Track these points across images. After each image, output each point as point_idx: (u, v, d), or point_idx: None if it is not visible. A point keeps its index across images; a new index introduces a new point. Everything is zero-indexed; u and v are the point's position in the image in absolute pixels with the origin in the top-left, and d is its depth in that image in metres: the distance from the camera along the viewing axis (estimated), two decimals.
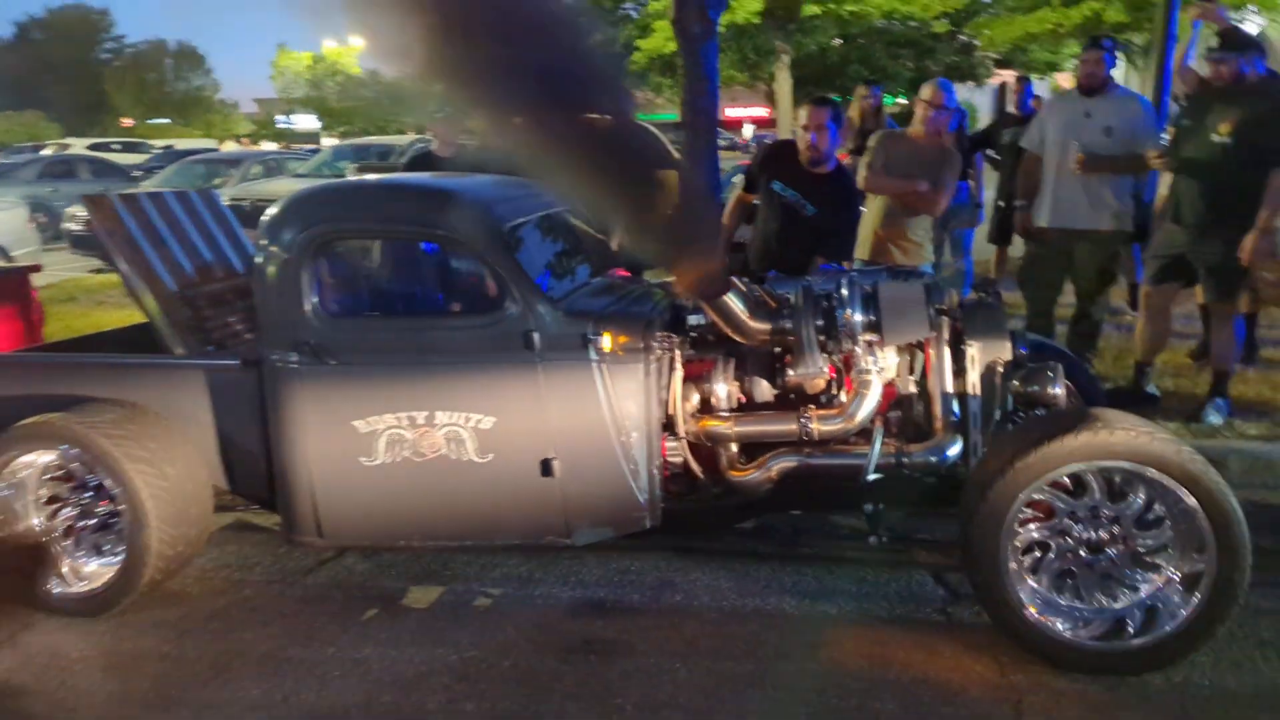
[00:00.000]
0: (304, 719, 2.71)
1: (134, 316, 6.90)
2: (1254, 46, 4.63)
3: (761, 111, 34.87)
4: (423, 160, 5.90)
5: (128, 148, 27.85)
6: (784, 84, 23.07)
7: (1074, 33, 23.52)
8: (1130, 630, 2.78)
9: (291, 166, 14.08)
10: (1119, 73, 23.09)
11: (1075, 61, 26.05)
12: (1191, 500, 2.65)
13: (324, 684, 2.88)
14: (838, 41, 25.03)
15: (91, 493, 3.41)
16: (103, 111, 51.16)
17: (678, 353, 3.27)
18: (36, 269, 5.05)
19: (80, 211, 11.94)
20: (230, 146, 25.12)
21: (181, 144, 30.31)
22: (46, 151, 23.25)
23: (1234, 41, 4.66)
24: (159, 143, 31.77)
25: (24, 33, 58.92)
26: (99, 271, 11.00)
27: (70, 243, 11.87)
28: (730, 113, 44.97)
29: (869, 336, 3.16)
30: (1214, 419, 4.70)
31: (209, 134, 44.46)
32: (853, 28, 23.07)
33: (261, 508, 3.66)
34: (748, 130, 42.70)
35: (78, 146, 25.75)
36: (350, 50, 44.65)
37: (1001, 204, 7.18)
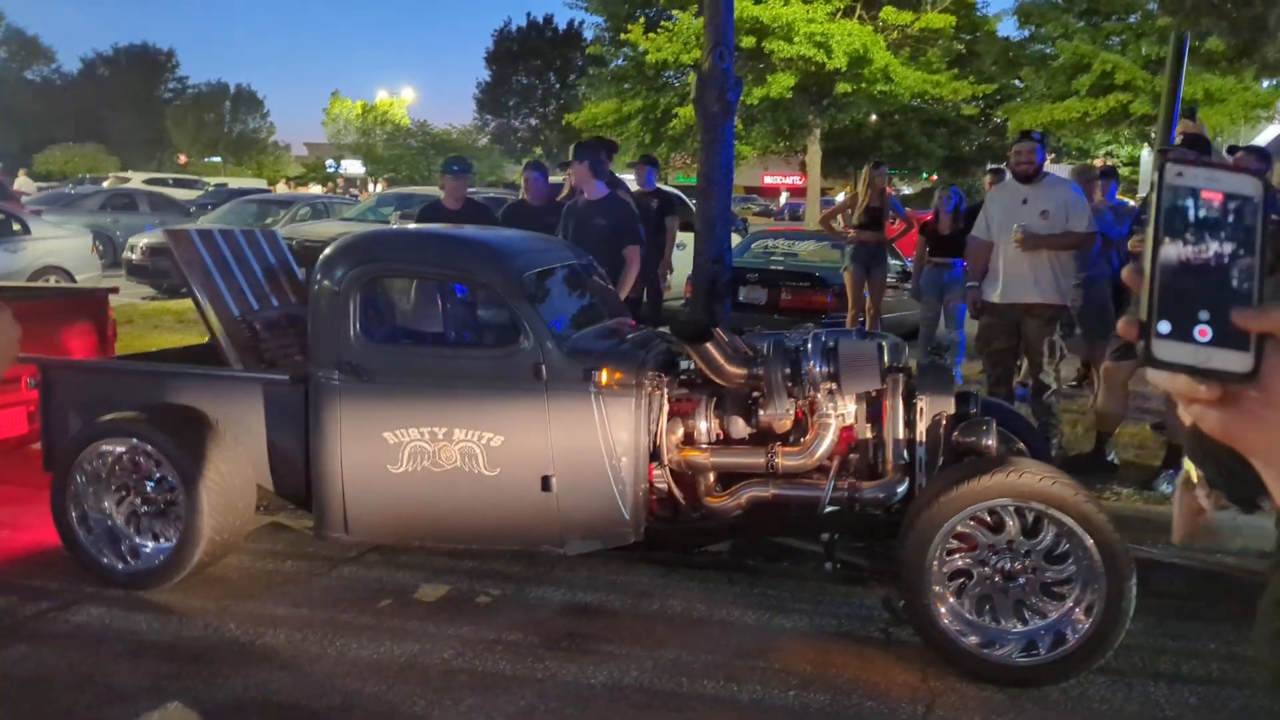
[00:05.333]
0: (325, 677, 3.20)
1: (186, 339, 7.55)
2: (1207, 151, 5.19)
3: (797, 180, 35.80)
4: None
5: (180, 183, 29.13)
6: (814, 155, 23.88)
7: (1100, 122, 24.17)
8: (1041, 650, 3.22)
9: (339, 210, 14.87)
10: (1146, 158, 23.55)
11: (1105, 148, 26.60)
12: (1089, 539, 3.10)
13: (343, 653, 3.37)
14: (874, 118, 25.84)
15: (154, 483, 3.95)
16: (161, 147, 53.20)
17: (666, 391, 3.79)
18: (114, 291, 5.68)
19: (139, 242, 12.78)
20: (282, 188, 26.22)
21: (234, 183, 31.67)
22: (107, 184, 24.45)
23: (1193, 146, 5.21)
24: (212, 180, 33.17)
25: (90, 68, 61.65)
26: (153, 299, 11.75)
27: (127, 271, 12.67)
28: (769, 180, 46.05)
29: (829, 385, 3.65)
30: (1166, 488, 5.11)
31: (259, 174, 46.15)
32: (884, 106, 23.86)
33: (297, 507, 4.18)
34: (783, 198, 43.68)
35: (135, 180, 27.02)
36: (400, 102, 46.36)
37: None
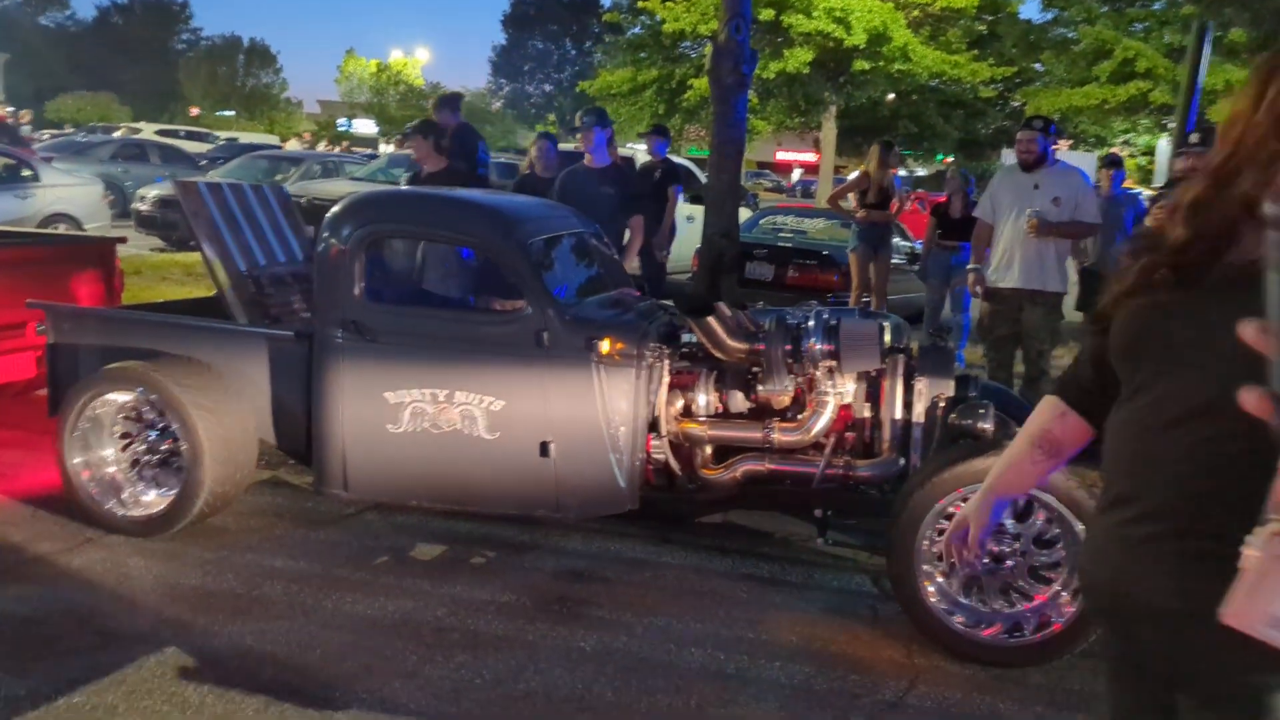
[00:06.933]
0: (320, 629, 3.25)
1: (193, 291, 7.58)
2: None
3: (811, 157, 35.59)
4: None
5: (192, 136, 29.00)
6: (829, 132, 23.73)
7: (1119, 109, 23.93)
8: (1026, 632, 3.26)
9: (349, 169, 14.84)
10: (1164, 147, 23.44)
11: (1123, 137, 26.34)
12: (1078, 525, 3.13)
13: (338, 606, 3.43)
14: (891, 97, 25.63)
15: (157, 432, 3.99)
16: (173, 99, 52.91)
17: (667, 363, 3.81)
18: (122, 240, 5.70)
19: (148, 193, 12.79)
20: (293, 145, 26.14)
21: (245, 137, 31.57)
22: (119, 134, 24.38)
23: (1210, 138, 5.20)
24: (223, 134, 33.05)
25: (104, 16, 61.26)
26: (161, 250, 11.77)
27: (136, 221, 12.67)
28: (782, 156, 45.75)
29: (828, 363, 3.67)
30: None
31: (270, 130, 45.97)
32: (902, 85, 23.66)
33: (298, 462, 4.23)
34: (795, 174, 43.44)
35: (147, 131, 26.92)
36: (415, 62, 46.07)
37: None
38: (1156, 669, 1.38)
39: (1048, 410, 1.64)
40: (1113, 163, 7.76)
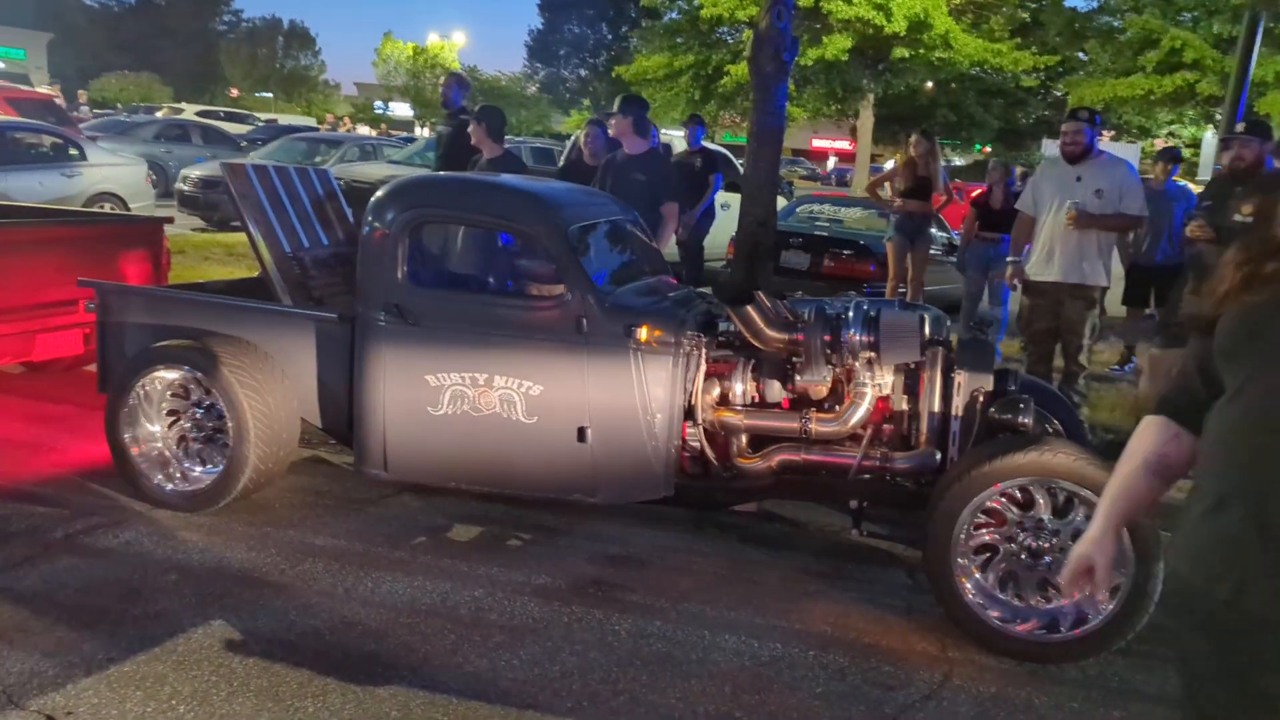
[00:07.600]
0: (359, 607, 3.31)
1: (235, 271, 7.69)
2: (1268, 139, 5.07)
3: (846, 145, 35.29)
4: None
5: (232, 117, 29.31)
6: (866, 121, 23.50)
7: (1164, 100, 23.46)
8: (1062, 628, 3.25)
9: (387, 153, 14.95)
10: (1210, 140, 22.90)
11: (1167, 128, 25.80)
12: None
13: (377, 585, 3.49)
14: (930, 85, 25.32)
15: (203, 410, 4.07)
16: (213, 80, 53.47)
17: (704, 351, 3.82)
18: (169, 220, 5.80)
19: (191, 173, 12.96)
20: (327, 126, 26.33)
21: (283, 119, 31.88)
22: (161, 114, 24.68)
23: (1258, 129, 5.10)
24: (262, 115, 33.38)
25: None
26: (203, 230, 11.93)
27: (179, 201, 12.86)
28: (818, 143, 45.40)
29: (868, 355, 3.66)
30: None
31: (308, 112, 46.33)
32: (942, 74, 23.36)
33: (338, 442, 4.30)
34: (830, 162, 43.08)
35: (188, 112, 27.24)
36: (452, 45, 46.17)
37: None
38: (1265, 681, 1.33)
39: (1158, 432, 1.59)
40: (1173, 158, 7.59)
